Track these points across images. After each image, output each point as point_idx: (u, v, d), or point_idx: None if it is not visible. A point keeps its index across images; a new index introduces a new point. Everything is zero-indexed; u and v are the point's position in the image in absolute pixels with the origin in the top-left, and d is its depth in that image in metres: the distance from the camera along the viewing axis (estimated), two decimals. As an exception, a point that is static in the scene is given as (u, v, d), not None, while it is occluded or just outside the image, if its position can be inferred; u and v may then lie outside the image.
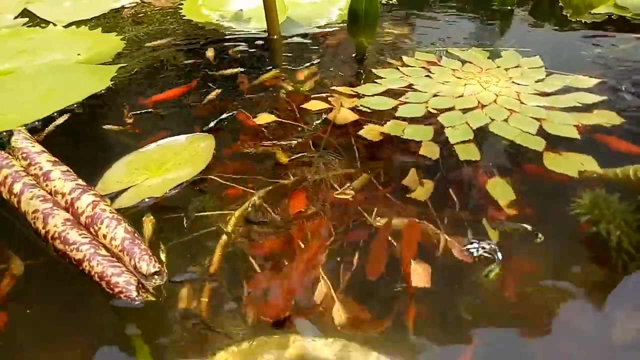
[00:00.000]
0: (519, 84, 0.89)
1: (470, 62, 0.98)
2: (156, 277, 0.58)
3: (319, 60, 1.04)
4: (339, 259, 0.60)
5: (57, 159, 0.72)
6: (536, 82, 0.90)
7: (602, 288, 0.57)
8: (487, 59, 0.99)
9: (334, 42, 1.13)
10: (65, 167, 0.70)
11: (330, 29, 1.20)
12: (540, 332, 0.52)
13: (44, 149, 0.73)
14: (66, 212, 0.64)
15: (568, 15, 1.20)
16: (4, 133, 0.84)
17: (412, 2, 1.34)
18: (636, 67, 0.94)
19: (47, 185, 0.67)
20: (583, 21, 1.16)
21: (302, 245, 0.62)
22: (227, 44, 1.15)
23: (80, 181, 0.68)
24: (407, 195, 0.68)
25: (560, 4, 1.25)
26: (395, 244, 0.61)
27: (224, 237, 0.63)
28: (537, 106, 0.82)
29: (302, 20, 1.25)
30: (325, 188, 0.70)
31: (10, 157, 0.72)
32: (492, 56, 1.00)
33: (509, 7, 1.24)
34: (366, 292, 0.57)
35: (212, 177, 0.73)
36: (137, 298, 0.56)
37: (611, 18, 1.16)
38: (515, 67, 0.95)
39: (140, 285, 0.57)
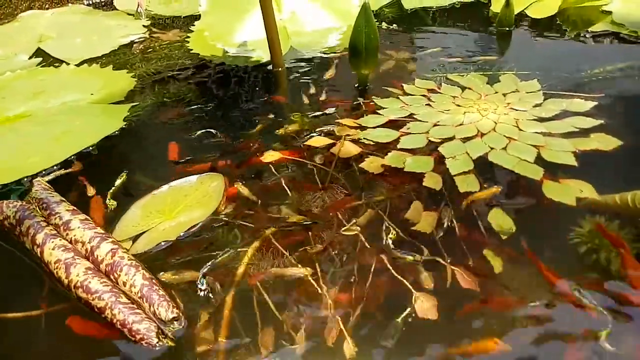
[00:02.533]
0: (517, 110, 0.91)
1: (469, 88, 1.00)
2: (175, 322, 0.61)
3: (323, 96, 1.07)
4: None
5: (75, 208, 0.75)
6: (534, 107, 0.92)
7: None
8: (486, 85, 1.01)
9: (336, 72, 1.16)
10: (83, 216, 0.74)
11: (334, 54, 1.24)
12: None
13: (62, 198, 0.77)
14: (87, 260, 0.68)
15: (567, 31, 1.22)
16: (25, 179, 0.89)
17: (412, 26, 1.37)
18: (631, 87, 0.97)
19: (67, 235, 0.71)
20: (580, 38, 1.18)
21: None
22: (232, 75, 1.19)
23: (98, 229, 0.72)
24: (412, 228, 0.71)
25: (559, 21, 1.28)
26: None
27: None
28: (535, 132, 0.85)
29: (305, 49, 1.28)
30: (331, 224, 0.73)
31: (31, 207, 0.75)
32: (491, 81, 1.02)
33: (507, 28, 1.26)
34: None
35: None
36: (157, 344, 0.59)
37: (608, 35, 1.18)
38: (514, 91, 0.97)
39: (159, 331, 0.60)
